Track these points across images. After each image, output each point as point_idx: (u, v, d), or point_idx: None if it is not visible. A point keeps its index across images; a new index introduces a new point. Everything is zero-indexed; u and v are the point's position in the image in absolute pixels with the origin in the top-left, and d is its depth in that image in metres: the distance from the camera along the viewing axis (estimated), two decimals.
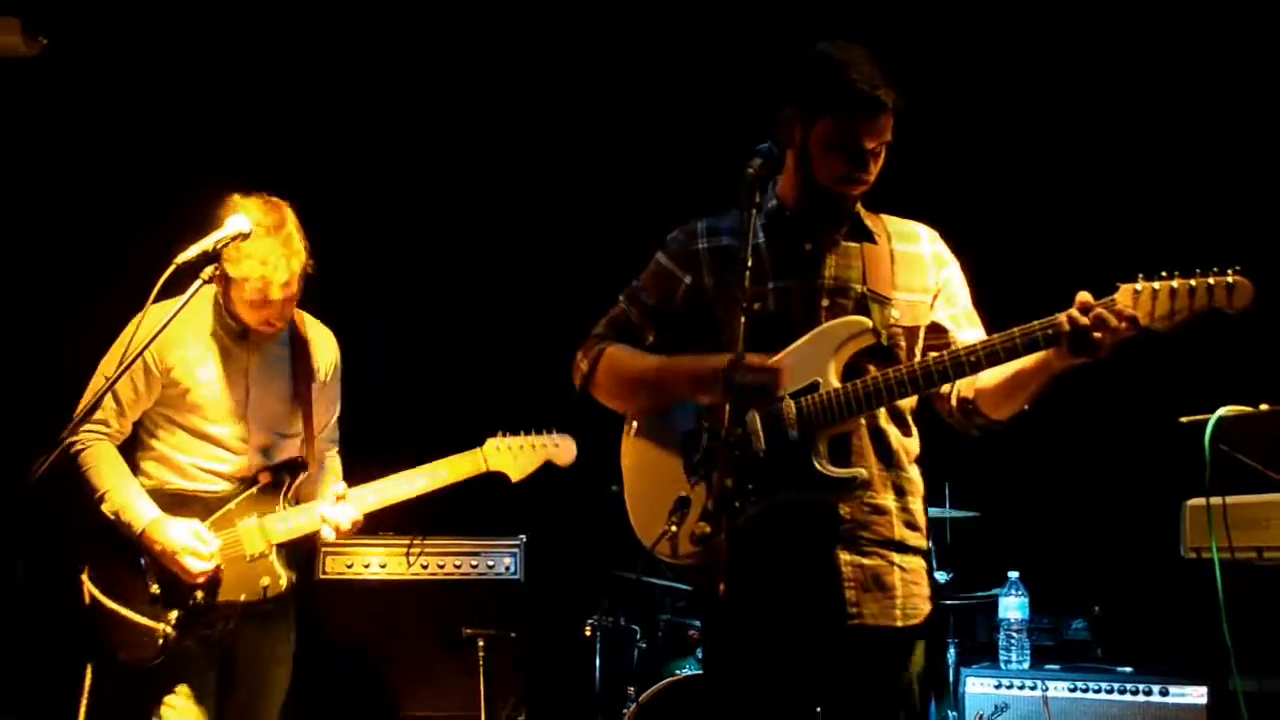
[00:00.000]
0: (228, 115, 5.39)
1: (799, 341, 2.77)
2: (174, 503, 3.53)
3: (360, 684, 4.67)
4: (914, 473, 2.88)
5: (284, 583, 3.56)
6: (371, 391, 4.30)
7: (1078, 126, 5.17)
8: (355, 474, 3.81)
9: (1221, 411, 2.77)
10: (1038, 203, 5.21)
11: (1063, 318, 2.58)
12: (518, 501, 5.28)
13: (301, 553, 3.75)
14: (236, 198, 3.41)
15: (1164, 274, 2.56)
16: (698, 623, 4.95)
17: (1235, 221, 4.69)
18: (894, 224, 2.94)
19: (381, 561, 4.77)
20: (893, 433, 2.84)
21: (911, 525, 2.83)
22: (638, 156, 5.61)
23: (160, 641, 3.43)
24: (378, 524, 4.48)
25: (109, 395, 3.42)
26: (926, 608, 2.81)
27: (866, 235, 2.89)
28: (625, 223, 5.58)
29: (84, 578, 3.51)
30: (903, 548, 2.81)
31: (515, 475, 3.81)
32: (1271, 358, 4.39)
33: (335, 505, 3.60)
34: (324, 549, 4.43)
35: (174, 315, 3.15)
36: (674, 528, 2.66)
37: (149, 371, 3.52)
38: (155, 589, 3.46)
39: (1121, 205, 5.05)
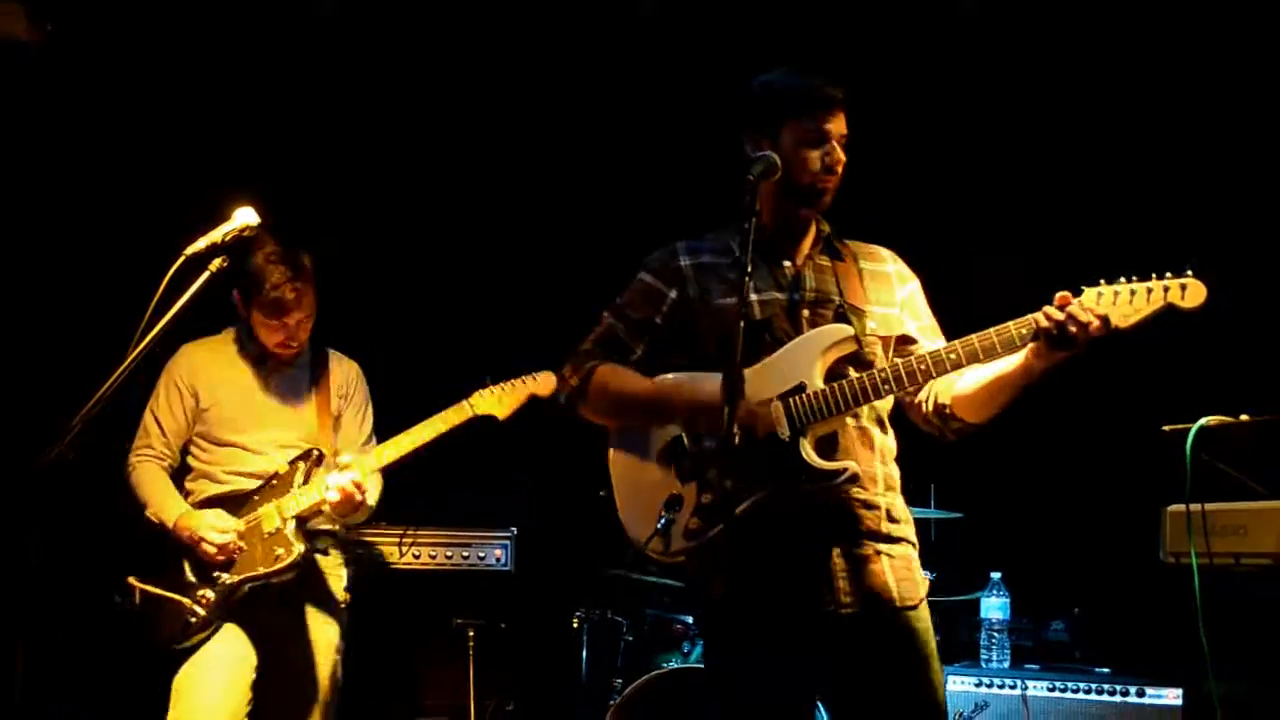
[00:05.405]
0: (231, 103, 5.41)
1: (784, 348, 2.88)
2: (210, 505, 3.86)
3: (350, 671, 4.72)
4: (894, 470, 2.99)
5: (295, 552, 3.80)
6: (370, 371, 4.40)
7: (1028, 139, 5.21)
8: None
9: (1203, 421, 2.85)
10: (994, 217, 5.26)
11: (1040, 315, 2.70)
12: (509, 493, 5.34)
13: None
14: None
15: (1123, 278, 2.69)
16: (685, 618, 4.99)
17: (1212, 232, 4.73)
18: (857, 246, 3.10)
19: (375, 551, 4.83)
20: (874, 432, 2.94)
21: (894, 519, 2.93)
22: (597, 145, 5.62)
23: (191, 619, 3.73)
24: (372, 515, 4.54)
25: (155, 423, 3.92)
26: (920, 592, 2.90)
27: (836, 255, 3.04)
28: (601, 216, 5.66)
29: (132, 581, 3.81)
30: (890, 539, 2.90)
31: (502, 414, 3.97)
32: (1252, 369, 4.47)
33: (337, 472, 3.83)
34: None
35: (185, 302, 3.17)
36: (666, 523, 2.79)
37: (183, 398, 3.93)
38: (190, 576, 3.79)
39: (1079, 215, 5.08)
